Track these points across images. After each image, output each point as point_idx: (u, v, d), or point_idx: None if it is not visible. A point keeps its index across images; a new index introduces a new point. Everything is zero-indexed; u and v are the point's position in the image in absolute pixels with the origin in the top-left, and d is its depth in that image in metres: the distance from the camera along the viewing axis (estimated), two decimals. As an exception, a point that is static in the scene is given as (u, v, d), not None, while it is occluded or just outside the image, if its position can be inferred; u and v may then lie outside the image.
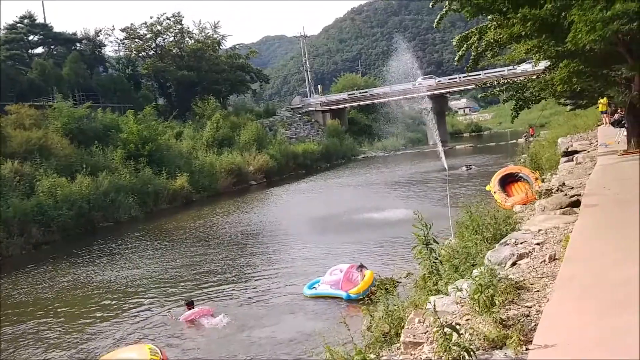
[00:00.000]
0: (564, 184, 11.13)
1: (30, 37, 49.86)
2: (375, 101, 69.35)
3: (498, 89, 13.20)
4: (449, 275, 7.68)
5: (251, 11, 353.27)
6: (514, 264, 6.10)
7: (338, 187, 32.56)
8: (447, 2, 12.82)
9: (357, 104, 69.42)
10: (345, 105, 69.43)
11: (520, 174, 16.82)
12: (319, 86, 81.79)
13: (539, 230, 7.17)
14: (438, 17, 13.11)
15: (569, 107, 33.60)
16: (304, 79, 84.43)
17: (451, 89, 63.95)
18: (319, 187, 34.57)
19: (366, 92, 70.59)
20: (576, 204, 8.68)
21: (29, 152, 27.32)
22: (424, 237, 8.55)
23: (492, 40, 11.37)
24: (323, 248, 15.75)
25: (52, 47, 52.75)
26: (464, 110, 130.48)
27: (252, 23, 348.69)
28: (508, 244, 6.85)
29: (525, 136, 44.45)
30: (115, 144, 32.94)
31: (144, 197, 29.58)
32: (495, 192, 16.70)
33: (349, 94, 70.69)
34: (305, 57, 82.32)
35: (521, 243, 6.72)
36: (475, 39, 12.19)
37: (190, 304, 10.92)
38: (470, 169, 30.50)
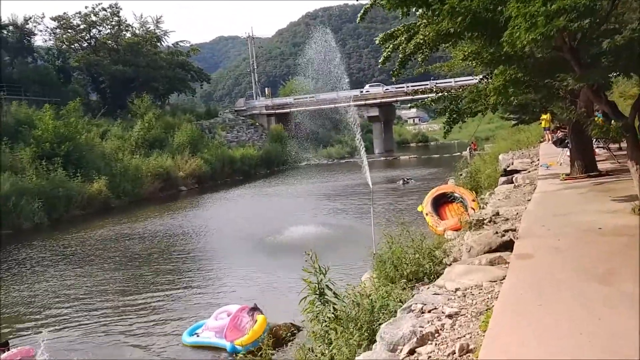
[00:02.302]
0: (497, 213, 9.43)
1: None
2: (322, 107, 67.57)
3: (429, 99, 11.44)
4: (338, 345, 5.77)
5: (206, 10, 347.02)
6: (412, 351, 4.20)
7: (268, 197, 30.45)
8: None
9: (303, 108, 67.48)
10: (291, 109, 67.42)
11: (456, 194, 15.18)
12: (265, 89, 79.59)
13: (457, 289, 5.32)
14: (362, 11, 11.25)
15: (512, 122, 32.60)
16: (257, 81, 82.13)
17: (398, 98, 62.81)
18: (250, 195, 32.40)
19: (313, 97, 68.82)
20: (508, 245, 6.92)
21: None
22: (316, 285, 6.65)
23: (420, 41, 9.57)
24: (233, 273, 13.63)
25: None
26: (414, 120, 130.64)
27: (206, 22, 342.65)
28: (412, 311, 4.96)
29: (469, 149, 43.47)
30: (27, 141, 29.88)
31: (53, 201, 26.73)
32: (427, 214, 15.03)
33: (295, 99, 68.73)
34: (252, 59, 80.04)
35: (429, 311, 4.84)
36: (402, 38, 10.36)
37: (3, 345, 8.80)
38: (408, 182, 28.86)
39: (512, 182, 14.93)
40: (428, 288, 6.23)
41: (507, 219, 8.95)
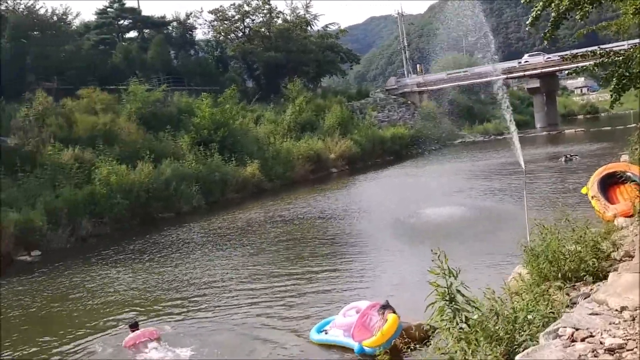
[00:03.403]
0: (683, 200, 7.64)
1: (121, 22, 50.16)
2: (476, 81, 64.17)
3: (591, 65, 9.66)
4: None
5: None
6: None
7: (416, 178, 29.25)
8: None
9: (456, 84, 64.58)
10: (444, 85, 64.82)
11: (629, 174, 12.95)
12: (417, 66, 77.52)
13: (623, 308, 4.06)
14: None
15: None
16: (408, 58, 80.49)
17: (561, 67, 57.47)
18: (398, 176, 31.54)
19: (467, 71, 65.52)
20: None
21: (94, 138, 26.48)
22: (446, 289, 5.66)
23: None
24: (370, 262, 12.93)
25: (144, 31, 52.93)
26: (581, 90, 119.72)
27: (358, 4, 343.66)
28: (559, 337, 3.84)
29: (647, 119, 38.42)
30: (187, 129, 31.70)
31: (210, 185, 28.07)
32: (593, 197, 13.05)
33: (447, 74, 65.95)
34: (402, 36, 78.32)
35: (583, 340, 3.69)
36: (554, -8, 8.73)
37: (134, 326, 8.97)
38: (571, 160, 25.90)
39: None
40: (586, 298, 4.99)
41: (696, 208, 7.17)
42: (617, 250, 8.21)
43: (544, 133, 52.96)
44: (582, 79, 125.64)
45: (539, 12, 9.31)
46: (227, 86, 41.80)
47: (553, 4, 8.93)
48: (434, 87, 63.89)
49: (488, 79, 65.54)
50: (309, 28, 59.15)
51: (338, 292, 10.70)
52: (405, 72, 75.19)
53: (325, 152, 37.35)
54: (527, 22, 9.41)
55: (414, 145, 48.18)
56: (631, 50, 8.47)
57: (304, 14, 58.49)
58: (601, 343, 3.58)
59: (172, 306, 11.45)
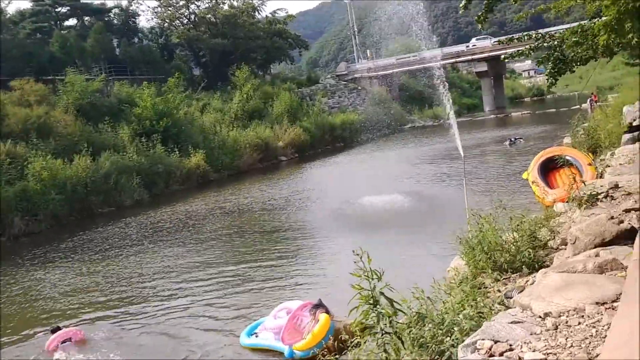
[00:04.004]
0: (617, 185, 7.47)
1: (59, 9, 47.90)
2: (425, 65, 64.35)
3: (526, 48, 9.40)
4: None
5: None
6: None
7: (363, 164, 28.94)
8: None
9: (405, 69, 64.67)
10: (394, 70, 64.84)
11: (568, 157, 12.89)
12: (367, 51, 77.36)
13: (546, 314, 3.71)
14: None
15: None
16: (358, 44, 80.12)
17: (507, 51, 58.16)
18: (345, 163, 31.31)
19: (416, 55, 65.69)
20: (628, 235, 5.13)
21: (27, 131, 25.14)
22: (370, 292, 5.25)
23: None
24: (308, 255, 12.55)
25: (84, 18, 50.79)
26: (528, 73, 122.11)
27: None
28: (478, 350, 3.45)
29: (589, 101, 39.19)
30: (129, 119, 30.54)
31: (154, 177, 27.19)
32: (533, 182, 12.96)
33: (397, 59, 65.96)
34: (352, 22, 77.95)
35: (501, 354, 3.31)
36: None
37: (55, 331, 8.61)
38: (515, 143, 26.06)
39: (638, 141, 12.51)
40: (521, 292, 4.65)
41: (629, 194, 6.99)
42: (555, 238, 7.99)
43: (492, 116, 53.66)
44: (529, 61, 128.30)
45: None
46: (173, 75, 40.62)
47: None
48: (384, 72, 63.83)
49: (434, 63, 66.12)
50: (256, 14, 58.04)
51: (274, 290, 10.23)
52: (356, 58, 74.91)
53: (273, 140, 36.76)
54: (460, 5, 9.06)
55: (365, 131, 48.00)
56: (565, 33, 8.23)
57: (251, 0, 57.39)
58: (519, 359, 3.21)
59: (101, 308, 10.83)
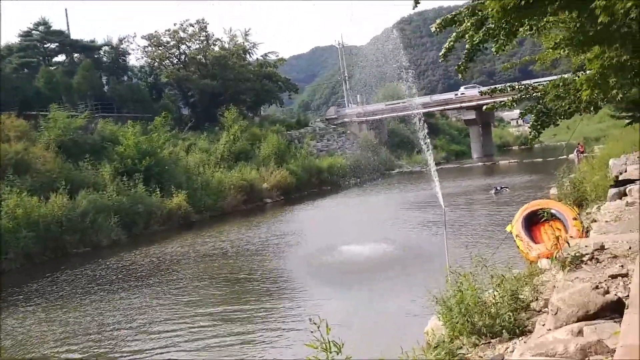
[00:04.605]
0: (602, 247, 7.02)
1: (47, 45, 47.90)
2: (415, 112, 64.86)
3: (509, 100, 9.12)
4: None
5: (301, 23, 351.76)
6: None
7: (347, 209, 28.55)
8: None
9: (394, 114, 65.10)
10: (383, 115, 65.27)
11: (553, 211, 12.49)
12: (357, 96, 78.07)
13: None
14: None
15: (626, 122, 28.47)
16: (349, 89, 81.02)
17: (495, 100, 58.78)
18: (330, 207, 30.89)
19: (405, 102, 66.29)
20: (615, 307, 4.64)
21: (4, 167, 24.54)
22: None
23: (494, 24, 7.33)
24: (289, 307, 11.92)
25: (73, 55, 50.80)
26: (517, 121, 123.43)
27: (303, 34, 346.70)
28: None
29: (576, 151, 39.27)
30: (112, 158, 30.06)
31: (133, 217, 26.55)
32: (517, 236, 12.52)
33: (386, 104, 66.50)
34: (343, 67, 78.98)
35: None
36: (468, 24, 8.11)
37: None
38: (500, 192, 25.76)
39: (625, 195, 12.15)
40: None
41: (615, 257, 6.54)
42: (538, 299, 7.51)
43: (480, 164, 53.72)
44: (518, 110, 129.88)
45: (452, 44, 8.69)
46: (161, 114, 40.37)
47: (467, 36, 8.32)
48: (373, 117, 64.20)
49: (425, 110, 66.76)
50: (247, 56, 58.43)
51: (230, 347, 9.59)
52: (346, 102, 75.49)
53: (259, 182, 36.30)
54: (440, 54, 8.78)
55: (352, 175, 47.74)
56: (547, 86, 7.92)
57: (243, 42, 57.86)
58: None
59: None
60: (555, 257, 7.07)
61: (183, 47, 54.07)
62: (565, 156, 41.58)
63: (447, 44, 8.73)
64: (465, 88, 65.52)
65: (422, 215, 22.69)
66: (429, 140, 13.20)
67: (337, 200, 34.17)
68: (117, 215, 25.20)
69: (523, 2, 5.18)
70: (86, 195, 24.82)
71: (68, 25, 52.62)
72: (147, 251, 21.32)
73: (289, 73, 70.37)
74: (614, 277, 5.76)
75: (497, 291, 7.39)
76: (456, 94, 63.77)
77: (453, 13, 8.59)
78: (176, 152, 35.75)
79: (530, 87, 9.22)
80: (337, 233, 19.19)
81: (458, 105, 61.53)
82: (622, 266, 6.02)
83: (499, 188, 26.41)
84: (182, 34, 53.21)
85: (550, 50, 9.28)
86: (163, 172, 30.72)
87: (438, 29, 8.66)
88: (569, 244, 7.33)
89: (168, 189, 29.48)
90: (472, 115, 63.31)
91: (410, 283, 11.75)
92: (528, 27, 8.55)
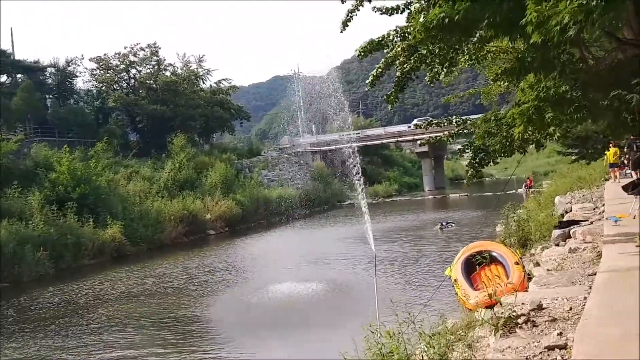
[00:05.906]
0: (540, 306, 6.15)
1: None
2: (368, 143, 64.95)
3: (445, 135, 8.35)
4: None
5: (260, 53, 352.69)
6: None
7: (288, 243, 27.58)
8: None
9: (348, 145, 64.65)
10: (337, 146, 64.83)
11: (494, 254, 11.69)
12: (312, 126, 77.66)
13: None
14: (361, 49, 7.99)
15: (572, 158, 28.61)
16: (305, 119, 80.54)
17: (445, 132, 59.01)
18: (273, 239, 29.70)
19: (359, 133, 66.27)
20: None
21: None
22: None
23: (425, 50, 6.52)
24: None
25: (16, 76, 48.58)
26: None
27: (263, 63, 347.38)
28: None
29: (525, 186, 39.43)
30: (43, 185, 28.17)
31: (62, 250, 24.70)
32: (456, 280, 11.67)
33: (340, 135, 66.14)
34: (299, 96, 78.67)
35: None
36: (399, 49, 7.28)
37: None
38: (446, 227, 25.14)
39: (569, 238, 11.48)
40: None
41: (555, 320, 5.66)
42: (473, 357, 6.57)
43: (431, 197, 53.58)
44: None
45: (380, 71, 7.86)
46: (104, 139, 38.63)
47: (397, 62, 7.49)
48: (326, 148, 63.76)
49: (379, 141, 66.79)
50: (200, 82, 57.30)
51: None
52: (300, 132, 74.91)
53: (203, 213, 34.82)
54: (367, 82, 7.95)
55: (302, 206, 46.70)
56: (477, 121, 7.16)
57: (196, 68, 56.75)
58: None
59: None
60: (487, 319, 6.15)
61: (133, 71, 52.54)
62: (514, 190, 41.70)
63: (374, 70, 7.90)
64: (418, 120, 65.86)
65: (362, 251, 21.70)
66: (362, 178, 12.32)
67: (282, 233, 33.08)
68: (42, 247, 23.37)
69: (447, 21, 4.33)
70: (8, 226, 22.97)
71: (13, 45, 50.63)
72: (67, 287, 19.65)
73: (249, 101, 69.48)
74: (550, 348, 4.86)
75: (426, 351, 6.59)
76: (409, 126, 63.92)
77: (381, 36, 7.76)
78: (116, 179, 34.05)
79: (469, 122, 8.45)
80: (272, 270, 18.09)
81: (411, 137, 61.63)
82: (560, 334, 5.13)
83: (444, 224, 25.77)
84: (132, 58, 51.72)
85: (492, 81, 8.58)
86: (98, 200, 28.99)
87: (363, 54, 7.84)
88: (501, 303, 6.47)
89: (103, 219, 27.76)
90: (424, 148, 63.44)
91: (333, 337, 10.61)
92: (467, 56, 7.82)
